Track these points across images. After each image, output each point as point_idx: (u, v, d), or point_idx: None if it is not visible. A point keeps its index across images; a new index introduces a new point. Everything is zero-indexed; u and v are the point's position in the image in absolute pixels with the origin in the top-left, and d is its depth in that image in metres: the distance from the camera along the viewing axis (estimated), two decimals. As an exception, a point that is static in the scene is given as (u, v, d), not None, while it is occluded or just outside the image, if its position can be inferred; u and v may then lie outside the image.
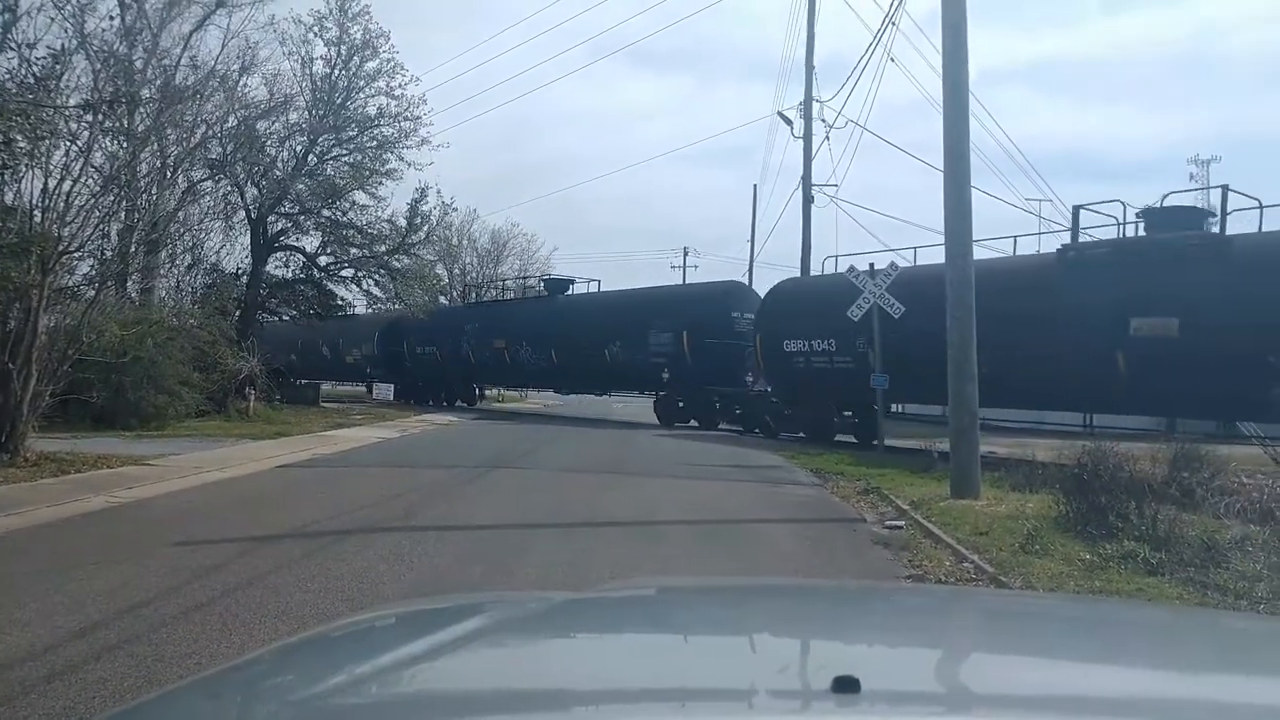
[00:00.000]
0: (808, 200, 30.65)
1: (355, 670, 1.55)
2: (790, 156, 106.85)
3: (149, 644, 5.22)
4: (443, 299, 42.56)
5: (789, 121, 31.77)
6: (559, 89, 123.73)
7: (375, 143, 30.48)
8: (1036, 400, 18.42)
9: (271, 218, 29.89)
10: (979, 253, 13.31)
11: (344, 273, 33.10)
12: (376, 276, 32.83)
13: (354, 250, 32.18)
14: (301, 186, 29.57)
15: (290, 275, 32.84)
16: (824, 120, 29.97)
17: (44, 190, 13.42)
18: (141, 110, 18.84)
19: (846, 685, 1.19)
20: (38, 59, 13.79)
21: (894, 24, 28.70)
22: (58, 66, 14.08)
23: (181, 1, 23.70)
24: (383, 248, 31.97)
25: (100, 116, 14.55)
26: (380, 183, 30.60)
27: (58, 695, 4.40)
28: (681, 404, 25.91)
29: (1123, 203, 17.29)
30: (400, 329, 35.18)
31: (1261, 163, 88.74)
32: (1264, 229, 15.24)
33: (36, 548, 8.04)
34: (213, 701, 1.54)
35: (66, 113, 13.89)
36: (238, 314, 27.88)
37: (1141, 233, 16.76)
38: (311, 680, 1.57)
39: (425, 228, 32.52)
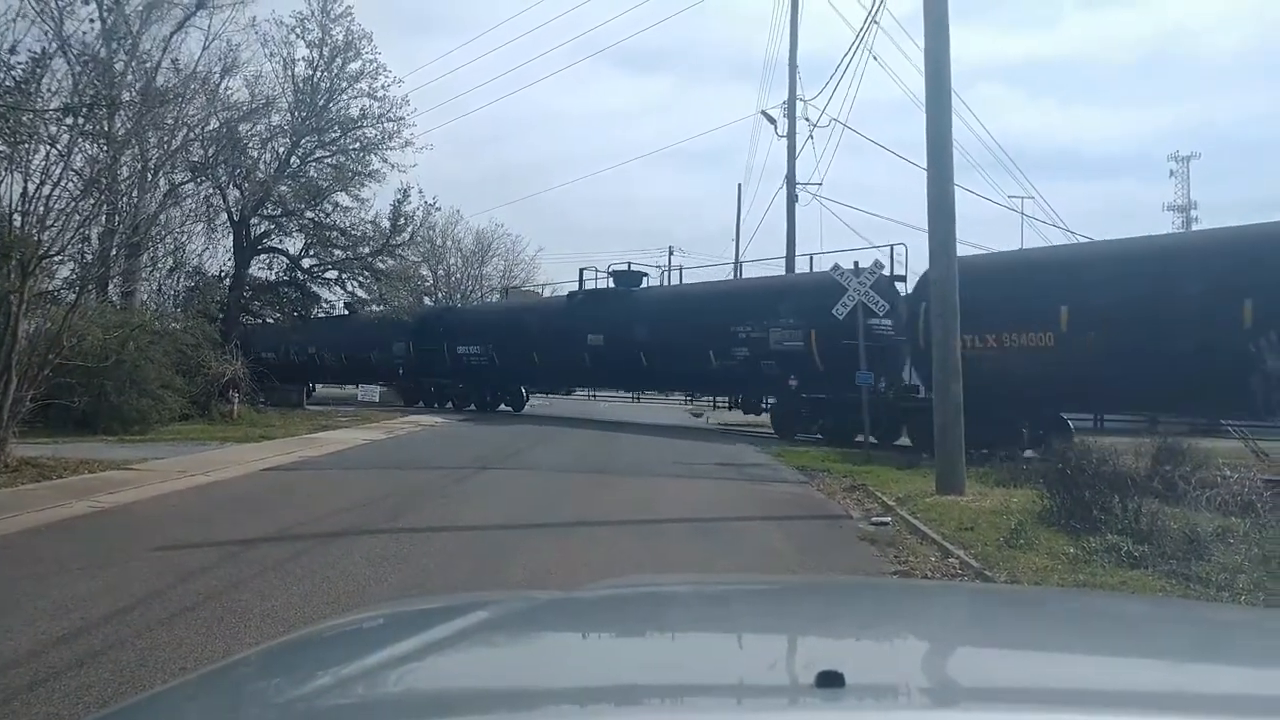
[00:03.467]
0: (792, 198, 30.73)
1: (342, 671, 1.55)
2: (774, 156, 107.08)
3: (133, 649, 5.18)
4: (427, 299, 42.61)
5: (773, 120, 31.90)
6: (541, 90, 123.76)
7: (358, 144, 30.39)
8: (564, 382, 35.08)
9: (254, 220, 29.73)
10: (960, 250, 13.44)
11: (328, 274, 33.01)
12: (360, 278, 32.76)
13: (337, 252, 32.07)
14: (284, 188, 29.42)
15: (274, 278, 32.71)
16: (807, 119, 30.08)
17: (23, 194, 13.29)
18: (122, 113, 18.70)
19: (831, 680, 1.19)
20: (17, 62, 13.67)
21: (876, 22, 28.84)
22: (37, 69, 13.96)
23: (162, 3, 23.54)
24: (366, 249, 31.87)
25: (80, 120, 14.43)
26: (363, 184, 30.56)
27: (42, 701, 4.37)
28: (412, 389, 36.09)
29: (596, 267, 31.48)
30: (249, 338, 38.58)
31: (1238, 159, 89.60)
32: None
33: (18, 554, 7.97)
34: (198, 704, 1.53)
35: (46, 116, 13.77)
36: (221, 317, 27.72)
37: (611, 285, 30.17)
38: (298, 681, 1.56)
39: (409, 228, 32.47)
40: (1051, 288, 16.40)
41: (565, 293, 33.22)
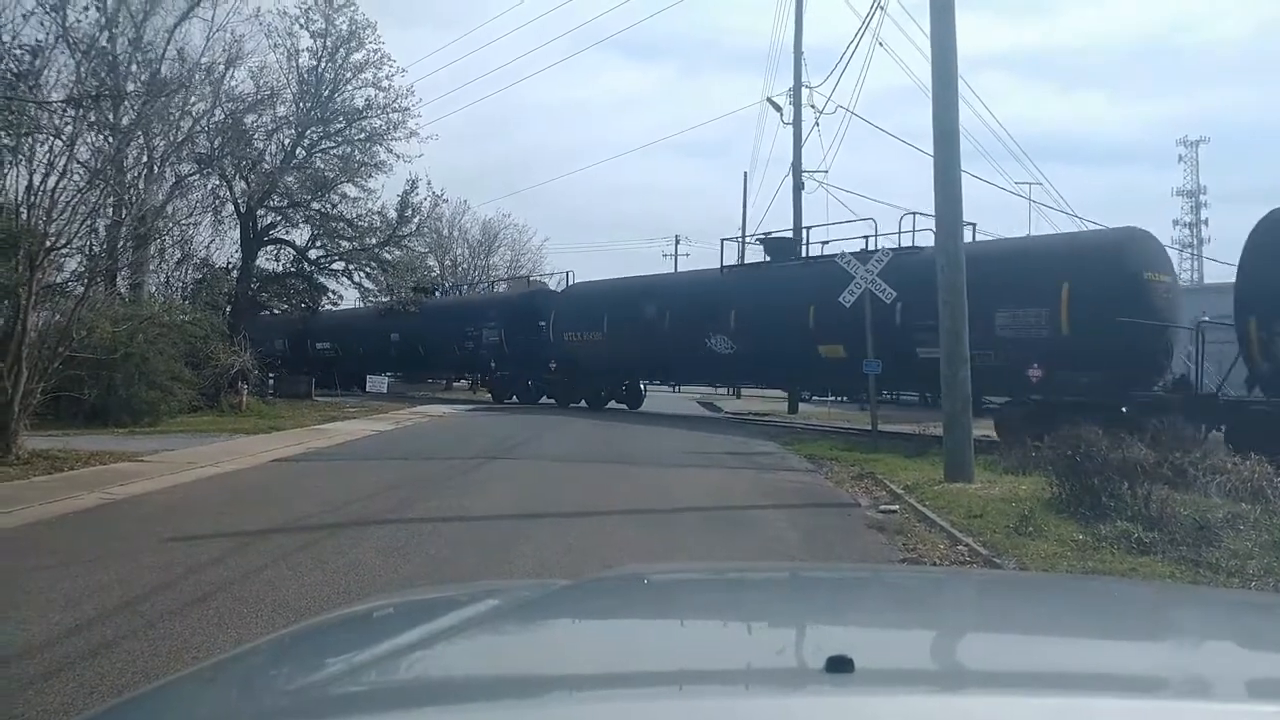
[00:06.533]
0: (798, 186, 30.66)
1: (352, 659, 1.55)
2: (780, 144, 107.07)
3: (145, 640, 5.22)
4: (436, 292, 42.97)
5: (779, 108, 31.79)
6: (546, 80, 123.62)
7: (363, 135, 30.38)
8: (380, 369, 42.25)
9: (261, 211, 29.78)
10: (967, 235, 13.43)
11: (335, 265, 33.07)
12: (368, 269, 32.82)
13: (344, 243, 32.13)
14: (290, 180, 29.44)
15: (281, 269, 32.78)
16: (814, 106, 29.98)
17: (29, 187, 13.34)
18: (126, 104, 18.71)
19: (840, 665, 1.20)
20: (20, 50, 13.68)
21: (882, 8, 28.65)
22: (39, 61, 13.97)
23: (165, -6, 23.49)
24: (373, 240, 31.91)
25: (84, 111, 14.44)
26: (369, 175, 30.56)
27: (55, 692, 4.40)
28: (303, 378, 41.64)
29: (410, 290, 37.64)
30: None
31: (1246, 145, 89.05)
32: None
33: (31, 545, 8.02)
34: (210, 692, 1.54)
35: (50, 108, 13.79)
36: (229, 308, 27.79)
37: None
38: (308, 670, 1.57)
39: (416, 219, 32.52)
40: (602, 306, 28.85)
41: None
